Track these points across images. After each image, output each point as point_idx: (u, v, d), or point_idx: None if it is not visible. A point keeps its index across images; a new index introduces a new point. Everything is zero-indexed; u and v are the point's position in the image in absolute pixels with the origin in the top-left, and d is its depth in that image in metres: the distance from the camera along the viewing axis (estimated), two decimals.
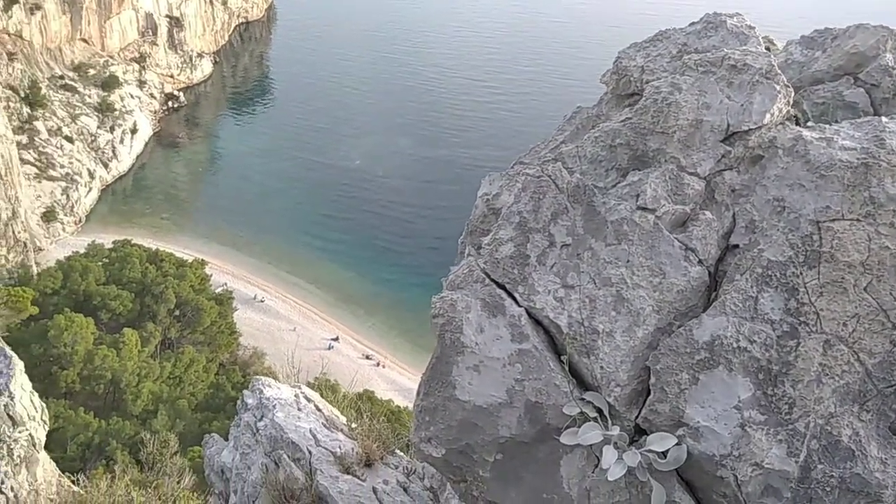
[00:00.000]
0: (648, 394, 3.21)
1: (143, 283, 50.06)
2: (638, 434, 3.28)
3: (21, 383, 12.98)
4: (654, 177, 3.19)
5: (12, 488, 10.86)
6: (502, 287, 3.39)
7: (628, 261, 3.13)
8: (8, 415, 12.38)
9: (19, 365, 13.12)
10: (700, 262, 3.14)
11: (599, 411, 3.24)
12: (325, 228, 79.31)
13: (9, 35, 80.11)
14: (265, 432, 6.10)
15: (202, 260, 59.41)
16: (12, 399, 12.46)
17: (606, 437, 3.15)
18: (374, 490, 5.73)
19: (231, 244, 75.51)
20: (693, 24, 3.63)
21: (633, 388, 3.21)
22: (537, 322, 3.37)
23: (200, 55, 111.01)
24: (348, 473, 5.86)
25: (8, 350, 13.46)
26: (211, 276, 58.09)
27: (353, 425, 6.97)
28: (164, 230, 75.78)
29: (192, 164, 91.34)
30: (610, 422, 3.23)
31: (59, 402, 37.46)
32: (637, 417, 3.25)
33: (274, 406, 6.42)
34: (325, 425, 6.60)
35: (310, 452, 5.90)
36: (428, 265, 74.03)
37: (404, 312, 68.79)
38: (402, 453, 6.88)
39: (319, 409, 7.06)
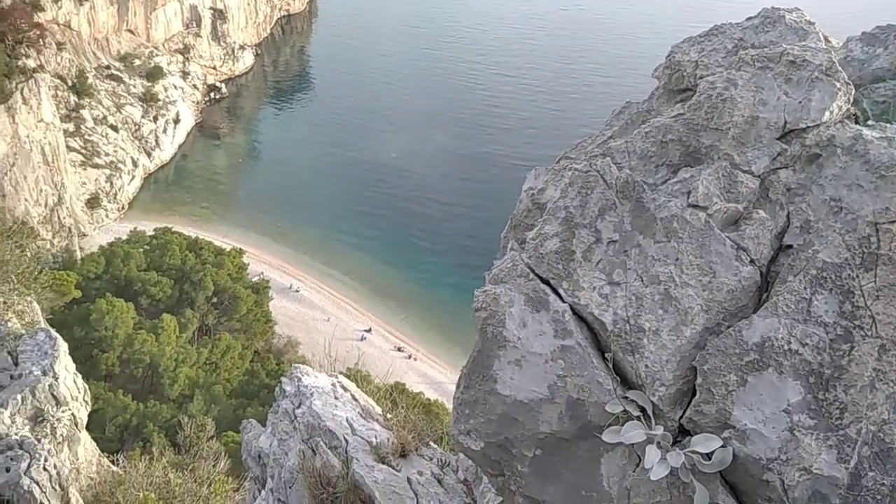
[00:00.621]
0: (694, 394, 3.16)
1: (183, 270, 51.05)
2: (681, 434, 3.24)
3: (65, 364, 13.37)
4: (707, 174, 3.14)
5: (55, 465, 11.18)
6: (546, 282, 3.37)
7: (677, 259, 3.09)
8: (52, 394, 12.75)
9: (63, 347, 13.51)
10: (752, 261, 3.08)
11: (643, 410, 3.21)
12: (361, 221, 79.89)
13: (58, 25, 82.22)
14: (303, 419, 6.18)
15: (240, 249, 60.40)
16: (56, 379, 12.84)
17: (650, 436, 3.12)
18: (409, 480, 5.77)
19: (268, 234, 76.59)
20: (750, 18, 3.55)
21: (678, 387, 3.16)
22: (581, 318, 3.35)
23: (242, 47, 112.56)
24: (383, 463, 5.90)
25: (53, 332, 13.88)
26: (248, 265, 59.01)
27: (389, 416, 7.01)
28: (203, 219, 77.19)
29: (232, 155, 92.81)
30: (653, 421, 3.19)
31: (99, 384, 38.50)
32: (681, 418, 3.20)
33: (311, 394, 6.49)
34: (361, 415, 6.66)
35: (346, 441, 5.95)
36: (462, 261, 74.10)
37: (437, 307, 69.02)
38: (435, 445, 6.91)
39: (355, 399, 7.13)
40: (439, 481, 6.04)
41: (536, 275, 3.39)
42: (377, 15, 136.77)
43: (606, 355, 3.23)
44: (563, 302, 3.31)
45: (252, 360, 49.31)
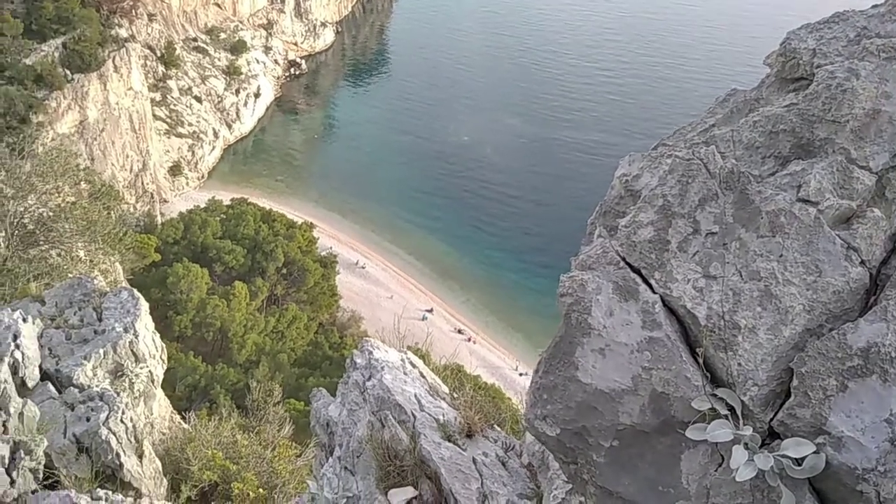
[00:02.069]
0: (787, 396, 3.04)
1: (256, 240, 52.64)
2: (770, 437, 3.12)
3: (145, 323, 13.97)
4: (820, 168, 2.98)
5: (131, 419, 11.69)
6: (637, 272, 3.29)
7: (781, 255, 2.95)
8: (132, 351, 13.36)
9: (145, 306, 14.11)
10: (862, 262, 2.92)
11: (731, 409, 3.10)
12: (430, 202, 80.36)
13: None
14: (373, 392, 6.28)
15: (311, 223, 61.79)
16: (136, 337, 13.44)
17: (737, 436, 3.01)
18: (474, 460, 5.79)
19: (338, 210, 78.05)
20: (876, 6, 3.34)
21: (771, 388, 3.04)
22: (671, 311, 3.26)
23: (324, 24, 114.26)
24: (450, 441, 5.94)
25: (135, 292, 14.51)
26: (318, 239, 60.34)
27: (456, 395, 7.06)
28: (277, 192, 79.29)
29: (308, 131, 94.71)
30: (742, 421, 3.08)
31: (172, 345, 40.29)
32: (772, 420, 3.08)
33: (382, 368, 6.59)
34: (428, 392, 6.72)
35: (414, 416, 6.02)
36: (525, 248, 73.69)
37: (499, 291, 68.98)
38: (499, 429, 6.92)
39: (423, 376, 7.19)
40: (503, 464, 6.05)
41: (627, 263, 3.31)
42: None
43: (697, 350, 3.13)
44: (654, 293, 3.22)
45: (316, 331, 50.59)
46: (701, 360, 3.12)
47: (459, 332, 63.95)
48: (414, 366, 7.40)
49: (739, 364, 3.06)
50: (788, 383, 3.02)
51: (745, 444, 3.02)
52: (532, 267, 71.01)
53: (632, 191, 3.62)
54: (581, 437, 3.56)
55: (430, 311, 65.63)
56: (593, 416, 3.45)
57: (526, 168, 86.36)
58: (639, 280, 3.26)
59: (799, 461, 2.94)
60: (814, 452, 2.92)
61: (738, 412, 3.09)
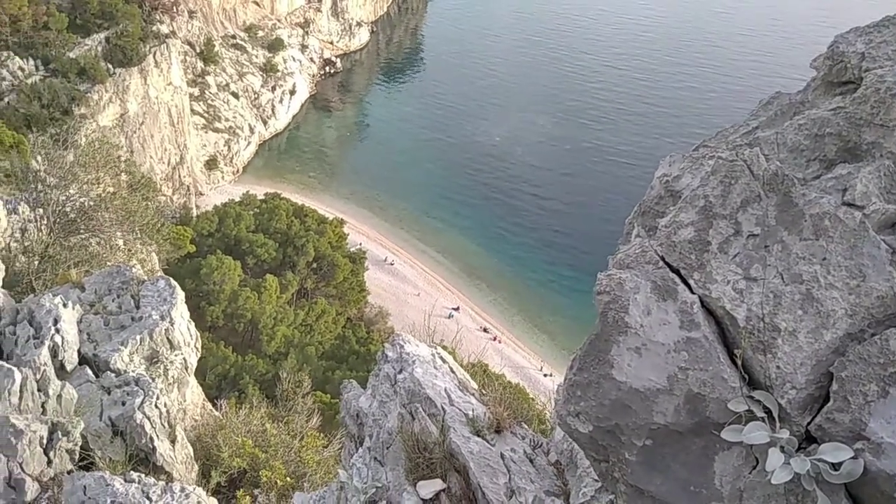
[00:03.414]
0: (826, 401, 3.02)
1: (288, 234, 53.24)
2: (807, 441, 3.11)
3: (181, 312, 14.24)
4: (867, 172, 2.95)
5: (165, 404, 11.92)
6: (676, 272, 3.29)
7: (824, 258, 2.94)
8: (167, 338, 13.64)
9: (181, 295, 14.38)
10: None
11: (768, 412, 3.10)
12: (459, 201, 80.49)
13: None
14: (404, 385, 6.35)
15: (341, 219, 62.30)
16: (172, 325, 13.71)
17: (773, 439, 3.01)
18: (503, 456, 5.83)
19: (369, 207, 78.60)
20: None
21: (809, 392, 3.03)
22: (709, 312, 3.26)
23: (359, 24, 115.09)
24: (478, 436, 5.99)
25: (172, 281, 14.80)
26: (348, 234, 60.83)
27: (484, 391, 7.10)
28: (310, 187, 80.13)
29: (341, 128, 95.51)
30: (778, 424, 3.07)
31: (204, 335, 40.83)
32: (809, 424, 3.07)
33: (413, 361, 6.66)
34: (458, 387, 6.77)
35: (444, 410, 6.08)
36: (553, 250, 73.40)
37: (525, 292, 68.84)
38: (526, 426, 6.94)
39: (453, 371, 7.24)
40: (531, 461, 6.07)
41: (666, 263, 3.31)
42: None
43: (735, 352, 3.12)
44: (693, 293, 3.23)
45: (344, 326, 50.97)
46: (739, 362, 3.12)
47: (485, 330, 63.97)
48: (444, 361, 7.46)
49: (778, 367, 3.05)
50: (827, 387, 3.01)
51: (782, 447, 3.01)
52: (559, 269, 70.75)
53: (672, 191, 3.62)
54: (614, 435, 3.57)
55: (457, 309, 65.74)
56: (627, 415, 3.46)
57: (556, 170, 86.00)
58: (677, 280, 3.26)
59: (836, 466, 2.92)
60: (851, 458, 2.90)
61: (775, 415, 3.08)
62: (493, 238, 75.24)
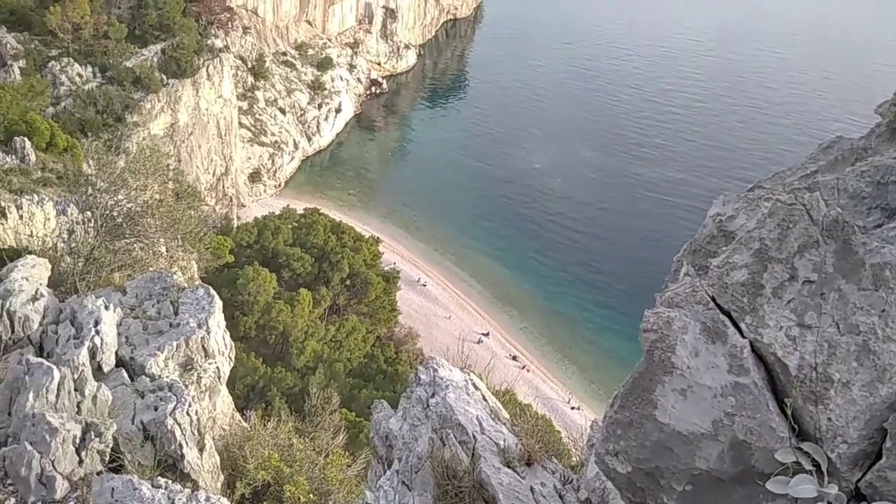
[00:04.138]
0: (878, 457, 2.91)
1: (324, 250, 53.80)
2: (856, 498, 2.99)
3: (218, 321, 14.39)
4: None
5: (196, 412, 12.00)
6: (727, 314, 3.22)
7: (883, 310, 2.85)
8: (203, 346, 13.78)
9: (219, 304, 14.55)
10: None
11: (816, 465, 2.99)
12: (496, 226, 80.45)
13: (246, 10, 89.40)
14: (436, 409, 6.31)
15: (377, 237, 62.70)
16: (208, 333, 13.86)
17: (821, 493, 2.90)
18: (532, 489, 5.74)
19: (405, 227, 79.05)
20: None
21: (861, 447, 2.92)
22: (760, 357, 3.17)
23: (407, 46, 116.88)
24: (509, 467, 5.91)
25: (211, 290, 15.01)
26: (383, 253, 61.16)
27: (516, 422, 7.02)
28: (348, 205, 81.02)
29: (383, 148, 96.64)
30: (827, 478, 2.96)
31: (236, 344, 41.31)
32: (859, 480, 2.96)
33: (446, 386, 6.62)
34: (490, 415, 6.70)
35: (475, 438, 6.02)
36: (588, 283, 72.70)
37: (557, 322, 68.17)
38: (557, 461, 6.82)
39: (485, 399, 7.18)
40: (560, 497, 5.97)
41: (717, 304, 3.25)
42: (539, 26, 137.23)
43: (785, 401, 3.03)
44: (744, 337, 3.15)
45: (373, 344, 51.06)
46: (789, 411, 3.03)
47: (514, 358, 63.38)
48: (476, 388, 7.41)
49: (830, 419, 2.95)
50: (881, 444, 2.90)
51: (829, 502, 2.91)
52: (592, 301, 70.01)
53: (725, 231, 3.56)
54: (653, 477, 3.49)
55: (487, 334, 65.37)
56: (668, 458, 3.38)
57: (595, 202, 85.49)
58: (728, 322, 3.19)
59: None
60: None
61: (824, 469, 2.98)
62: (526, 266, 74.90)
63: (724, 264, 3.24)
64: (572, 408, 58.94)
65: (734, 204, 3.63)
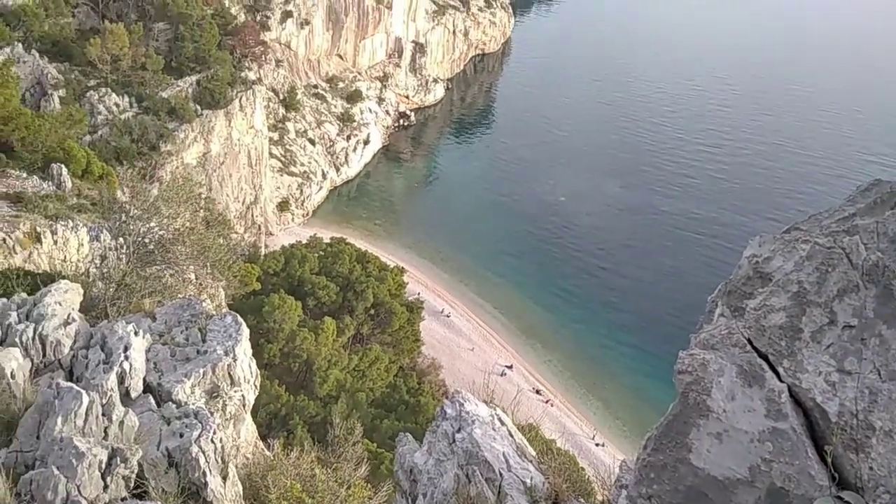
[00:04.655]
0: None
1: (349, 279, 54.02)
2: None
3: (244, 349, 14.48)
4: None
5: (221, 440, 12.01)
6: (764, 357, 3.17)
7: None
8: (229, 374, 13.85)
9: (246, 332, 14.66)
10: None
11: None
12: (520, 258, 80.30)
13: (279, 44, 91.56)
14: (462, 445, 6.25)
15: (402, 267, 62.83)
16: (235, 361, 13.94)
17: None
18: None
19: (430, 257, 79.25)
20: None
21: None
22: (798, 402, 3.11)
23: (436, 80, 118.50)
24: None
25: (239, 317, 15.14)
26: (407, 283, 61.22)
27: (543, 460, 6.92)
28: (374, 234, 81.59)
29: (409, 179, 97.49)
30: None
31: (260, 372, 41.43)
32: None
33: (473, 422, 6.56)
34: (516, 451, 6.63)
35: (501, 475, 5.95)
36: (614, 316, 71.94)
37: (582, 356, 67.43)
38: (583, 500, 6.70)
39: (511, 435, 7.10)
40: None
41: (754, 347, 3.20)
42: (567, 61, 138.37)
43: (826, 448, 2.96)
44: (782, 381, 3.10)
45: (396, 374, 50.84)
46: (829, 459, 2.96)
47: (538, 392, 62.64)
48: (502, 423, 7.34)
49: (871, 468, 2.87)
50: None
51: None
52: (617, 337, 69.23)
53: (762, 273, 3.52)
54: None
55: (510, 367, 64.80)
56: (703, 503, 3.31)
57: (621, 236, 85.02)
58: (765, 366, 3.14)
59: None
60: None
61: None
62: (551, 298, 74.45)
63: (762, 307, 3.20)
64: (597, 444, 57.90)
65: (770, 245, 3.59)
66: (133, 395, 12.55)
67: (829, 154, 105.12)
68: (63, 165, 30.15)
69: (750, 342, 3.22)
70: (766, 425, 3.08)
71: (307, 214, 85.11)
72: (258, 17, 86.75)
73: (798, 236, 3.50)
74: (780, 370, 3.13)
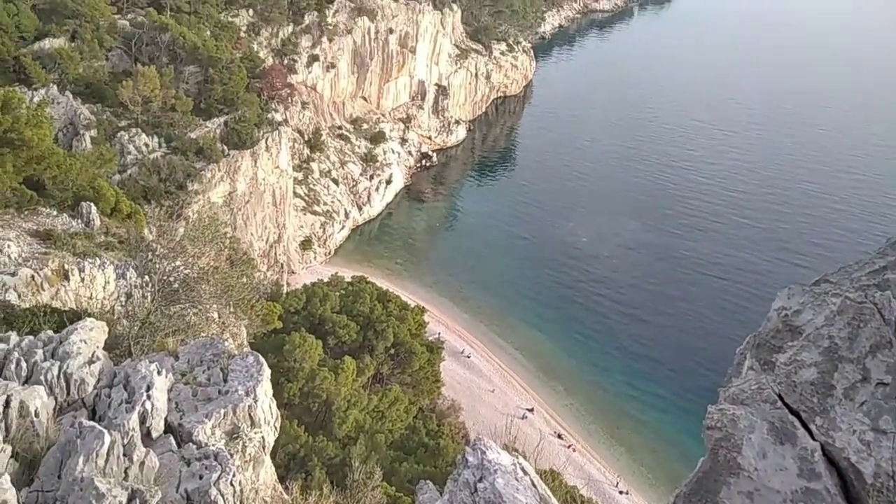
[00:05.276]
0: None
1: (370, 318, 53.97)
2: None
3: (266, 389, 14.46)
4: None
5: (240, 482, 11.93)
6: (796, 414, 3.10)
7: None
8: (250, 415, 13.81)
9: (267, 372, 14.66)
10: None
11: None
12: (541, 299, 79.83)
13: (305, 87, 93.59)
14: (484, 495, 6.14)
15: (423, 307, 62.68)
16: (256, 402, 13.91)
17: None
18: None
19: (451, 297, 79.09)
20: None
21: None
22: (831, 461, 3.03)
23: (458, 122, 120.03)
24: None
25: (261, 358, 15.16)
26: (428, 323, 60.98)
27: None
28: (395, 273, 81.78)
29: (431, 219, 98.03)
30: None
31: (280, 411, 41.24)
32: None
33: (495, 471, 6.45)
34: (540, 503, 6.49)
35: None
36: (637, 360, 70.93)
37: (604, 400, 66.34)
38: None
39: (535, 485, 6.96)
40: None
41: (785, 403, 3.14)
42: (589, 104, 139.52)
43: None
44: (814, 439, 3.02)
45: (415, 416, 50.27)
46: None
47: (559, 436, 61.54)
48: (525, 472, 7.20)
49: None
50: None
51: None
52: (640, 381, 68.12)
53: (791, 326, 3.47)
54: None
55: (531, 410, 63.87)
56: None
57: (643, 278, 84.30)
58: (797, 423, 3.07)
59: None
60: None
61: None
62: (572, 341, 73.68)
63: (792, 361, 3.14)
64: (620, 492, 56.53)
65: (800, 298, 3.54)
66: (154, 434, 12.55)
67: (860, 201, 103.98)
68: (92, 204, 30.77)
69: (781, 398, 3.15)
70: (799, 485, 2.99)
71: (329, 253, 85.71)
72: (285, 61, 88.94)
73: (828, 289, 3.45)
74: (813, 428, 3.05)
